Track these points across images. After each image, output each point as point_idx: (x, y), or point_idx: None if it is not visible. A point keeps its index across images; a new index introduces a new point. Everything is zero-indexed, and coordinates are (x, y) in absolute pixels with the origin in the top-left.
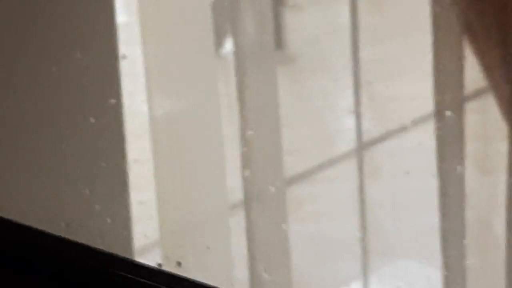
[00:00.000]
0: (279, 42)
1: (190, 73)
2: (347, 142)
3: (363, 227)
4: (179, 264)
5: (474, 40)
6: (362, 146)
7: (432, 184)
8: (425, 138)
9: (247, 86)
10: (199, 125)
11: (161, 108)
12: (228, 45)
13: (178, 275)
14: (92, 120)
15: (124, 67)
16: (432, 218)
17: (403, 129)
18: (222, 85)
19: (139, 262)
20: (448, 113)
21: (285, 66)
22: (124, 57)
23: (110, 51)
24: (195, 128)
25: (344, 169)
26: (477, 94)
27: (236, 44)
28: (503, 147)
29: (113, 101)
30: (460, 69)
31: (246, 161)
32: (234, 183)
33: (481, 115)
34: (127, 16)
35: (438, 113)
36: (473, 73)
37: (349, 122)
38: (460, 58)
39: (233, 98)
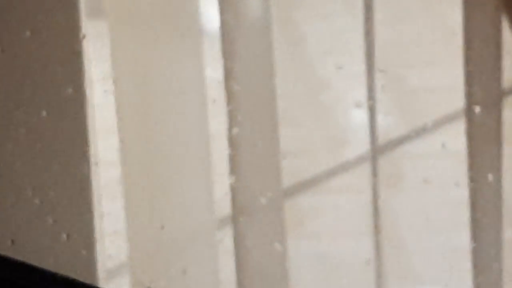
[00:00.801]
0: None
1: (168, 53)
2: (358, 144)
3: (378, 247)
4: None
5: None
6: (377, 150)
7: (460, 196)
8: (452, 140)
9: (236, 71)
10: (177, 121)
11: (131, 100)
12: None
13: None
14: (44, 113)
15: (86, 48)
16: (461, 237)
17: (425, 129)
18: (207, 69)
19: None
20: (479, 109)
21: (286, 48)
22: (85, 36)
23: (68, 29)
24: (172, 124)
25: (355, 177)
26: None
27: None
28: None
29: (70, 90)
30: (496, 56)
31: (233, 166)
32: (218, 193)
33: None
34: None
35: (468, 110)
36: None
37: (361, 119)
38: (497, 43)
39: (219, 86)
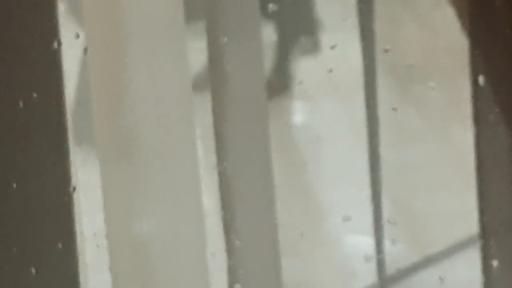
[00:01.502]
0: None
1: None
2: (366, 275)
3: None
4: None
5: None
6: (386, 281)
7: None
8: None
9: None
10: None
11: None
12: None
13: None
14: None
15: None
16: None
17: (435, 258)
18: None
19: None
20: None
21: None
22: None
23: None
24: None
25: None
26: None
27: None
28: None
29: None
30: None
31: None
32: None
33: None
34: None
35: (484, 237)
36: None
37: (367, 245)
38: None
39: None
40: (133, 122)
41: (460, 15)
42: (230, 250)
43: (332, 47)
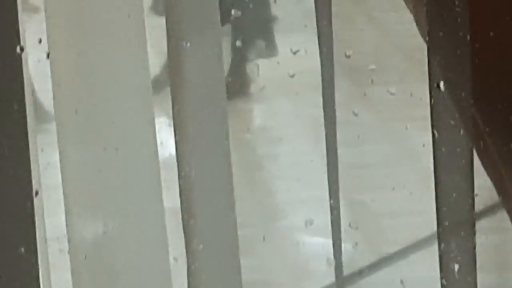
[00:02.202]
0: None
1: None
2: (322, 275)
3: None
4: None
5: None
6: (343, 282)
7: None
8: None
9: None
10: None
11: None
12: None
13: None
14: None
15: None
16: None
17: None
18: None
19: None
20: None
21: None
22: None
23: None
24: None
25: None
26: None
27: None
28: None
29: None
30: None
31: None
32: None
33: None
34: None
35: (442, 237)
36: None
37: (323, 246)
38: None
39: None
40: (95, 124)
41: (418, 21)
42: (191, 253)
43: (295, 53)
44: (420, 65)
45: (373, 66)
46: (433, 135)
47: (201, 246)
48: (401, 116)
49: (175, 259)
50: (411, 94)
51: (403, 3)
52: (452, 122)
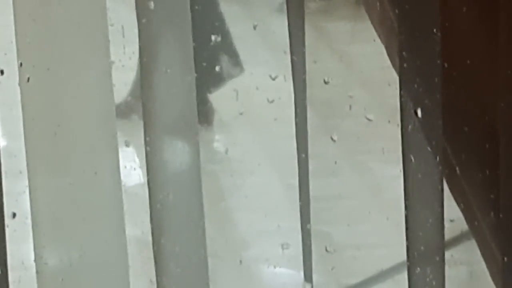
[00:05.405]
0: None
1: None
2: None
3: None
4: None
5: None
6: None
7: None
8: None
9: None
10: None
11: None
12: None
13: None
14: None
15: None
16: None
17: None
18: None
19: None
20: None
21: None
22: None
23: None
24: None
25: None
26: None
27: None
28: None
29: None
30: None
31: None
32: None
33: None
34: None
35: (411, 265)
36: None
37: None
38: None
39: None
40: (64, 149)
41: (390, 53)
42: (166, 278)
43: (274, 79)
44: (386, 97)
45: (352, 94)
46: (404, 163)
47: (173, 273)
48: (364, 148)
49: (152, 282)
50: (388, 124)
51: (367, 36)
52: (424, 150)
